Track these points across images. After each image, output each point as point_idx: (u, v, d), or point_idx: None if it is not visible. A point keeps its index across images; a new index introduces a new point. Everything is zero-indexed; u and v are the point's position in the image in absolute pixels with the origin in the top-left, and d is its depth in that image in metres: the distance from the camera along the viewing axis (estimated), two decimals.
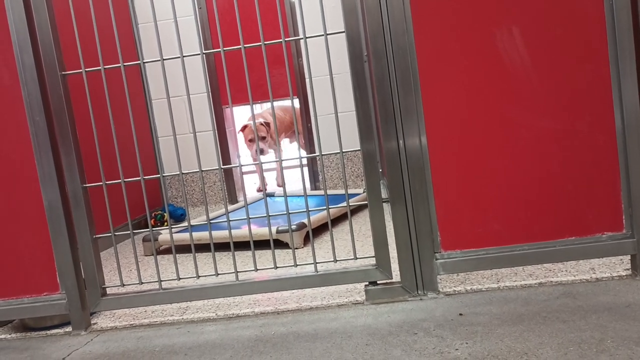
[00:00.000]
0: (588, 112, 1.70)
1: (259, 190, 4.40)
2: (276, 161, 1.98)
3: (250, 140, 4.16)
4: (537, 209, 1.74)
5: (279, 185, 4.39)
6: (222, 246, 2.63)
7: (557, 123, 1.71)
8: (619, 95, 1.68)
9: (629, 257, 1.78)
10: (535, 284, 1.76)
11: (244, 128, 4.22)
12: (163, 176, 1.93)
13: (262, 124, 4.17)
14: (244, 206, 3.52)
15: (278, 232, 2.60)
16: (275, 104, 4.45)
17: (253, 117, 1.85)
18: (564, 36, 1.68)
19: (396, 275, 1.81)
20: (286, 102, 4.81)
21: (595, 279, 1.73)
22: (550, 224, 1.74)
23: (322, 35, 1.77)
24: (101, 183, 1.87)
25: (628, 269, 1.76)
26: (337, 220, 3.08)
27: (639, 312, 1.47)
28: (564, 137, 1.71)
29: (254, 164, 3.56)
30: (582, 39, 1.68)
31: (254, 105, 1.94)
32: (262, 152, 4.21)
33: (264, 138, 4.19)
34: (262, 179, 4.23)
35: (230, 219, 1.87)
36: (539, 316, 1.53)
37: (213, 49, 4.01)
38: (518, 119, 1.72)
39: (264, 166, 4.84)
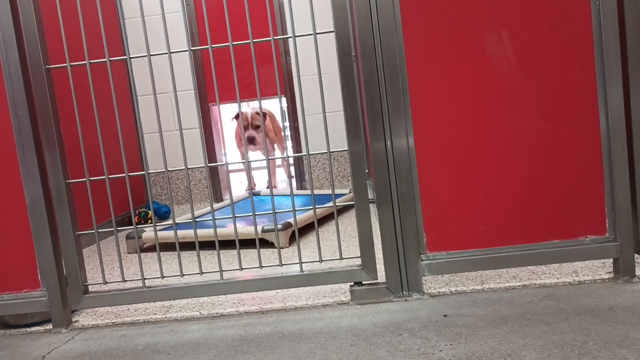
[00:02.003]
0: (574, 115, 1.71)
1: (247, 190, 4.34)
2: (270, 159, 1.97)
3: (244, 128, 4.01)
4: (522, 211, 1.75)
5: (275, 187, 4.30)
6: (207, 244, 2.62)
7: (544, 126, 1.72)
8: (605, 98, 1.70)
9: (611, 260, 1.79)
10: (519, 286, 1.77)
11: (237, 116, 4.10)
12: (148, 173, 1.91)
13: (257, 113, 4.01)
14: (229, 204, 3.50)
15: (263, 231, 2.59)
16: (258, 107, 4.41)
17: (241, 115, 1.84)
18: (551, 39, 1.69)
19: (381, 276, 1.81)
20: (268, 105, 4.77)
21: (578, 282, 1.75)
22: (535, 226, 1.75)
23: (312, 34, 1.76)
24: (85, 179, 1.85)
25: (610, 272, 1.77)
26: (323, 220, 3.08)
27: (621, 315, 1.49)
28: (551, 140, 1.72)
29: (241, 162, 3.51)
30: (569, 42, 1.69)
31: (240, 104, 1.93)
32: (253, 140, 4.04)
33: (257, 127, 4.02)
34: (250, 177, 4.19)
35: (216, 217, 1.86)
36: (523, 318, 1.54)
37: (200, 45, 3.98)
38: (505, 121, 1.72)
39: (253, 164, 4.78)
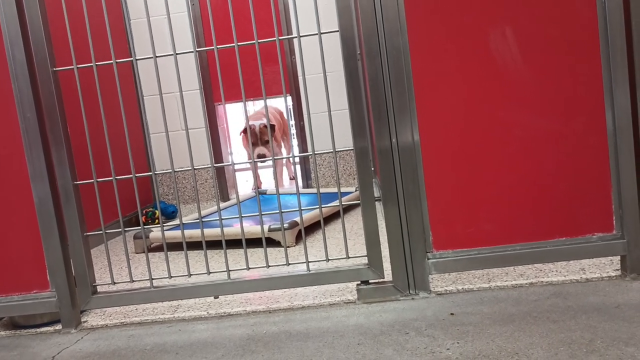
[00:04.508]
0: (581, 113, 1.71)
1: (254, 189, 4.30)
2: (276, 159, 1.99)
3: (253, 144, 3.88)
4: (529, 209, 1.74)
5: (281, 186, 4.28)
6: (214, 244, 2.63)
7: (550, 124, 1.72)
8: (611, 96, 1.69)
9: (618, 257, 1.79)
10: (526, 284, 1.77)
11: (245, 131, 4.01)
12: (155, 173, 1.92)
13: (266, 127, 3.87)
14: (235, 204, 3.51)
15: (270, 230, 2.60)
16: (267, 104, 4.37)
17: (246, 115, 1.85)
18: (556, 37, 1.68)
19: (388, 275, 1.81)
20: (275, 103, 4.75)
21: (585, 280, 1.75)
22: (542, 224, 1.75)
23: (316, 34, 1.76)
24: (92, 180, 1.86)
25: (618, 270, 1.77)
26: (329, 218, 3.08)
27: (629, 313, 1.48)
28: (557, 138, 1.72)
29: (247, 162, 3.52)
30: (575, 40, 1.68)
31: (246, 103, 1.94)
32: (263, 157, 3.94)
33: (267, 142, 3.92)
34: (257, 176, 4.17)
35: (222, 217, 1.86)
36: (530, 316, 1.54)
37: (205, 46, 3.99)
38: (511, 119, 1.72)
39: (259, 164, 4.77)
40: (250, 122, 3.99)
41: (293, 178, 4.46)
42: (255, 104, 5.23)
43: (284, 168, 4.69)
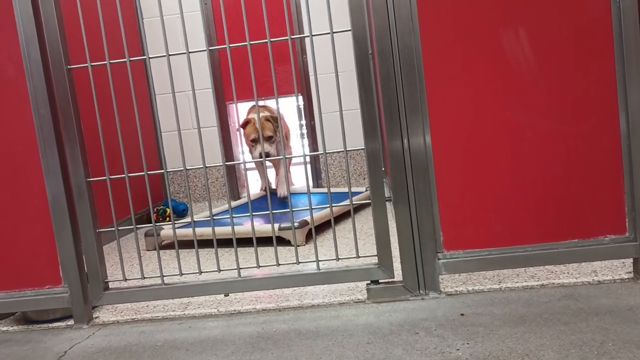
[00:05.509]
0: (593, 114, 1.70)
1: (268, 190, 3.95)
2: (287, 157, 2.00)
3: (253, 141, 3.45)
4: (540, 211, 1.74)
5: (292, 185, 4.09)
6: (224, 242, 2.64)
7: (562, 125, 1.71)
8: (624, 97, 1.68)
9: (631, 260, 1.77)
10: (537, 285, 1.76)
11: (245, 124, 3.56)
12: (167, 171, 1.93)
13: (268, 120, 3.41)
14: (246, 203, 3.52)
15: (280, 229, 2.61)
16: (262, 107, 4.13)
17: (258, 115, 1.85)
18: (569, 37, 1.67)
19: (398, 275, 1.81)
20: (284, 103, 4.69)
21: (597, 282, 1.73)
22: (553, 225, 1.74)
23: (329, 33, 1.77)
24: (105, 177, 1.87)
25: (630, 272, 1.75)
26: (339, 218, 3.08)
27: None
28: (569, 139, 1.71)
29: (257, 161, 3.48)
30: (588, 40, 1.67)
31: (258, 102, 1.94)
32: (267, 155, 3.37)
33: (270, 138, 3.40)
34: (265, 176, 4.09)
35: (233, 215, 1.87)
36: (541, 318, 1.53)
37: (217, 44, 4.01)
38: (523, 120, 1.71)
39: (268, 163, 4.74)
40: (251, 116, 3.58)
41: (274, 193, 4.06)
42: (265, 103, 5.22)
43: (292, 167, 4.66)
